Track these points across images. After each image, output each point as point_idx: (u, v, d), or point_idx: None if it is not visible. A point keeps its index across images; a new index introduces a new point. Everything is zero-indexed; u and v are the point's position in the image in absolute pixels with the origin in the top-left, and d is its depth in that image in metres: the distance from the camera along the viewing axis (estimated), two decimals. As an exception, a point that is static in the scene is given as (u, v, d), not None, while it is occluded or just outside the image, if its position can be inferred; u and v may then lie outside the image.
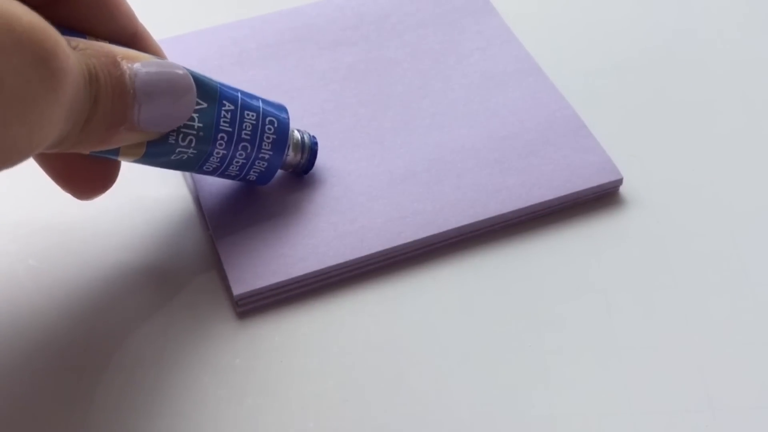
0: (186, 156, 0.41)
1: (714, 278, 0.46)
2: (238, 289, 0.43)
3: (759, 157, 0.51)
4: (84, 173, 0.42)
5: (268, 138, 0.43)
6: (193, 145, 0.41)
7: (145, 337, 0.43)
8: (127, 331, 0.43)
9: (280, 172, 0.47)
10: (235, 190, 0.47)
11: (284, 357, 0.43)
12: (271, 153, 0.44)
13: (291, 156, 0.45)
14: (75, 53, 0.35)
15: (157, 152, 0.40)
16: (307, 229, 0.46)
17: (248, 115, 0.42)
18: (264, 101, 0.43)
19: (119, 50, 0.38)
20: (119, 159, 0.40)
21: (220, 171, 0.43)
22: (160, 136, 0.40)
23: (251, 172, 0.44)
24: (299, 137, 0.46)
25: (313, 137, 0.47)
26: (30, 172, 0.49)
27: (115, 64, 0.37)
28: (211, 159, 0.42)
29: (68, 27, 0.38)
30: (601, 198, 0.49)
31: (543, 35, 0.57)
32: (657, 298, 0.45)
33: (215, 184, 0.47)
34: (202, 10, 0.59)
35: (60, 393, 0.41)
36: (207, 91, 0.40)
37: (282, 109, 0.44)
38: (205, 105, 0.40)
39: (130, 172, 0.49)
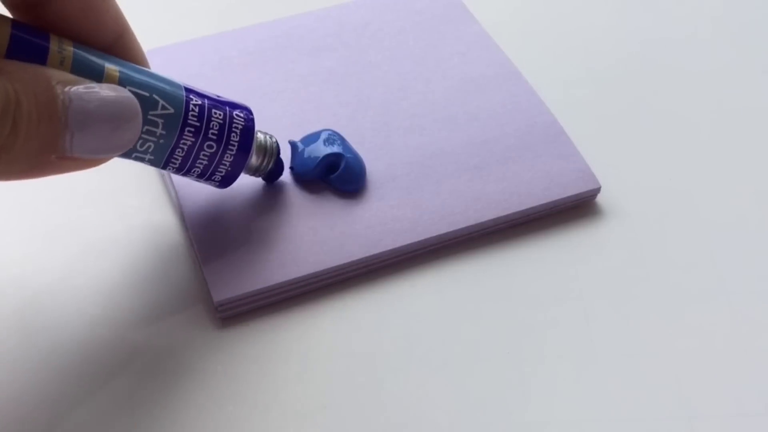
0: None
1: (691, 287, 0.46)
2: (218, 296, 0.43)
3: (736, 165, 0.52)
4: None
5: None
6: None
7: (125, 343, 0.43)
8: (107, 338, 0.44)
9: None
10: (216, 195, 0.47)
11: (265, 363, 0.43)
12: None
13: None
14: None
15: None
16: (286, 234, 0.46)
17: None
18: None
19: (56, 74, 0.36)
20: None
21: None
22: None
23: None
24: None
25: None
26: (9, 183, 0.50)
27: (46, 88, 0.35)
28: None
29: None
30: (579, 206, 0.49)
31: (521, 44, 0.57)
32: (634, 306, 0.45)
33: (196, 191, 0.47)
34: (183, 24, 0.59)
35: (42, 397, 0.42)
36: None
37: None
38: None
39: (111, 180, 0.50)
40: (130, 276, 0.46)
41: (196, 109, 0.41)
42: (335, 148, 0.48)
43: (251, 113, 0.44)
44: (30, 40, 0.36)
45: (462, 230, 0.47)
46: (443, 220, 0.47)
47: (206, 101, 0.41)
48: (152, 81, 0.39)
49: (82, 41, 0.38)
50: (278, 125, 0.49)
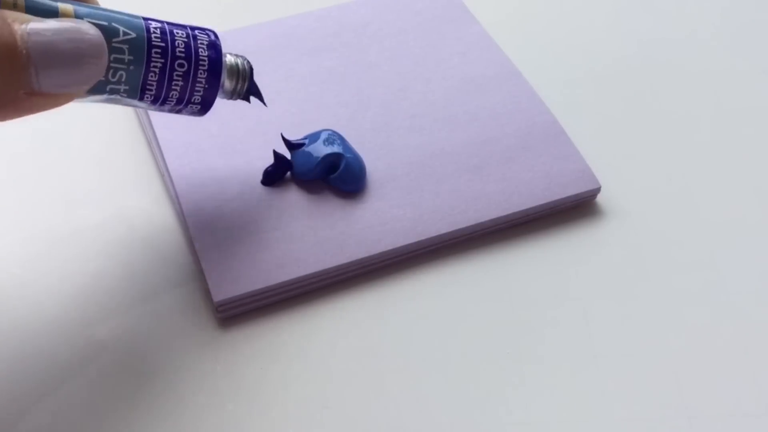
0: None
1: (691, 286, 0.47)
2: (218, 296, 0.44)
3: (735, 165, 0.52)
4: None
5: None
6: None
7: (127, 343, 0.44)
8: (109, 338, 0.44)
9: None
10: (216, 194, 0.47)
11: (265, 363, 0.44)
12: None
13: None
14: None
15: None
16: (286, 234, 0.46)
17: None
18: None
19: (10, 14, 0.36)
20: None
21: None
22: None
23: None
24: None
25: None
26: (12, 181, 0.50)
27: (2, 25, 0.36)
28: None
29: None
30: (579, 206, 0.50)
31: (521, 44, 0.58)
32: (634, 306, 0.46)
33: (196, 189, 0.47)
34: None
35: (37, 395, 0.42)
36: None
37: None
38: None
39: (112, 180, 0.50)
40: (130, 276, 0.46)
41: (158, 31, 0.41)
42: (335, 148, 0.48)
43: (213, 32, 0.44)
44: None
45: (462, 230, 0.48)
46: (443, 220, 0.47)
47: (166, 24, 0.41)
48: (109, 12, 0.39)
49: None
50: (278, 125, 0.50)
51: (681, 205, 0.50)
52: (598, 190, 0.49)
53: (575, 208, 0.50)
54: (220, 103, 0.49)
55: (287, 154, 0.49)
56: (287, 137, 0.49)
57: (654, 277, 0.47)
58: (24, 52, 0.36)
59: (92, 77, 0.39)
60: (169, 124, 0.51)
